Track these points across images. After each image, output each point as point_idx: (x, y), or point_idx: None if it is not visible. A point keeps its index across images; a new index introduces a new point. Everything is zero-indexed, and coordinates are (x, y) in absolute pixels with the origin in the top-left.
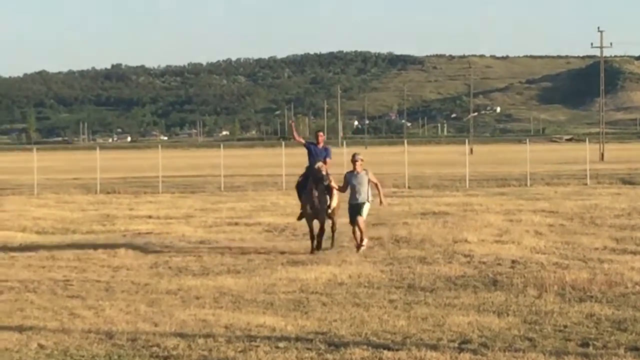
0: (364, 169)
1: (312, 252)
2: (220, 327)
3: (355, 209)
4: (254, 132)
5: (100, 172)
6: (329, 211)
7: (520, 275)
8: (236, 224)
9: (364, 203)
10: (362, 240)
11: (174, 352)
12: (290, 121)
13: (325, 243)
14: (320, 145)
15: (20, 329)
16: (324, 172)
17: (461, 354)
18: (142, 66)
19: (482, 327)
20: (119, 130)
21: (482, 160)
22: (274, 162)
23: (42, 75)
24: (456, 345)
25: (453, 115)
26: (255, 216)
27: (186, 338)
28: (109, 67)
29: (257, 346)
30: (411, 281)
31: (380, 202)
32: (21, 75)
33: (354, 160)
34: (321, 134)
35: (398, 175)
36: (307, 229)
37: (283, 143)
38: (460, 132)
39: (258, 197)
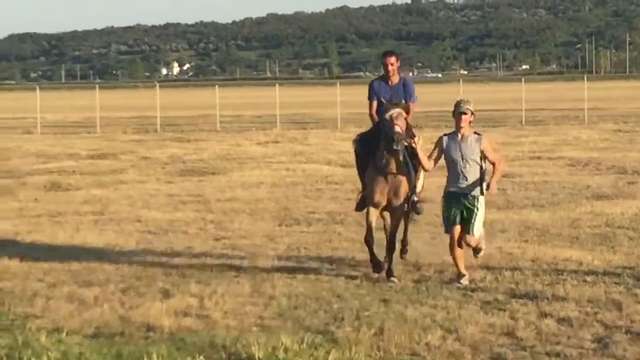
0: (475, 132)
1: (375, 268)
2: (526, 260)
3: (457, 207)
4: (554, 65)
5: None
6: (414, 197)
7: None
8: (538, 157)
9: (476, 197)
10: (460, 274)
11: (481, 284)
12: None
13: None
14: (394, 80)
15: (330, 260)
16: (397, 128)
17: None
18: (442, 0)
19: None
20: (419, 64)
21: None
22: (576, 95)
23: (343, 11)
24: None
25: None
26: (558, 150)
27: (493, 271)
28: (409, 1)
29: (564, 280)
30: None
31: (488, 186)
32: (323, 10)
33: (458, 113)
34: (392, 60)
35: None
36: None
37: (585, 77)
38: None
39: (560, 131)
